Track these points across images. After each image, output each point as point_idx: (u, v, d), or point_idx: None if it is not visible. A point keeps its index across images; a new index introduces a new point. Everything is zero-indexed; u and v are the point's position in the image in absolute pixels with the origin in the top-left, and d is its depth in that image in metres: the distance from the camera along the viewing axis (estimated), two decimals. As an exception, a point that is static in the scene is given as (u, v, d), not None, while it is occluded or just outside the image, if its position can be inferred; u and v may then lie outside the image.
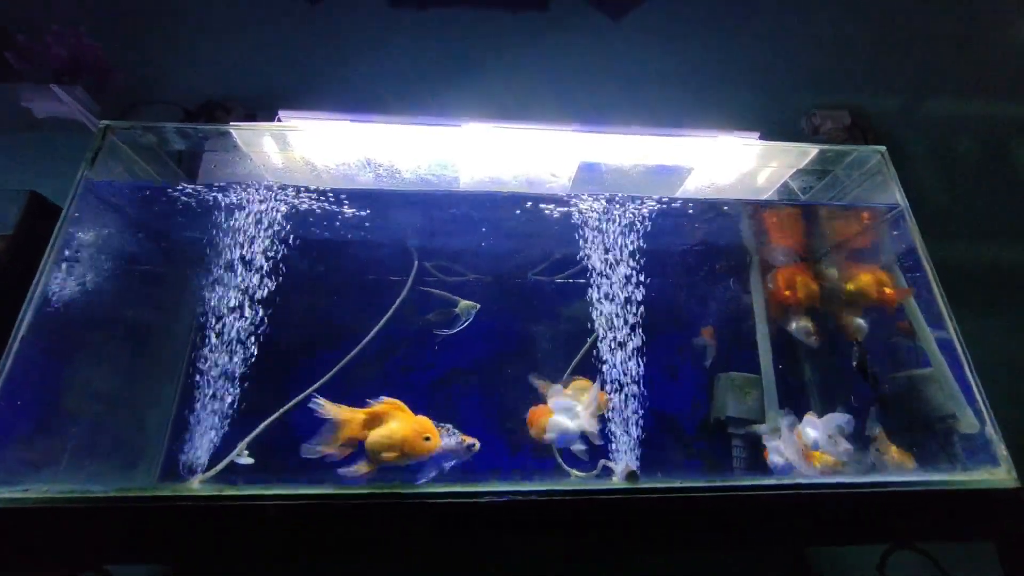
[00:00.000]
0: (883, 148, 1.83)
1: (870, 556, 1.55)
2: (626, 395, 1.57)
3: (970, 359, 1.59)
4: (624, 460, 1.47)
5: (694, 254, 1.97)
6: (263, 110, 2.57)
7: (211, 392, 1.48)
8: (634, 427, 1.54)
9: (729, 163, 1.95)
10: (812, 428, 1.61)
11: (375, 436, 1.33)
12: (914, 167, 2.89)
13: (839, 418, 1.60)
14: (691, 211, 1.77)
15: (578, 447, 1.56)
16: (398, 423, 1.35)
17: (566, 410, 1.58)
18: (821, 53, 3.12)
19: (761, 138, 1.95)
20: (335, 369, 1.71)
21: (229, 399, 1.49)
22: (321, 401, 1.35)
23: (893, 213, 1.79)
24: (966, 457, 1.56)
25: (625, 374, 1.59)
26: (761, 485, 1.39)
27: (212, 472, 1.38)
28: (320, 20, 2.99)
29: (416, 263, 1.87)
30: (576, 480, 1.50)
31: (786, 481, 1.43)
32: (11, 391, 1.29)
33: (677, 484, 1.34)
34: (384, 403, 1.37)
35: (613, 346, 1.61)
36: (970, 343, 1.61)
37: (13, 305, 1.40)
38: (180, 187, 1.61)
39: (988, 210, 2.78)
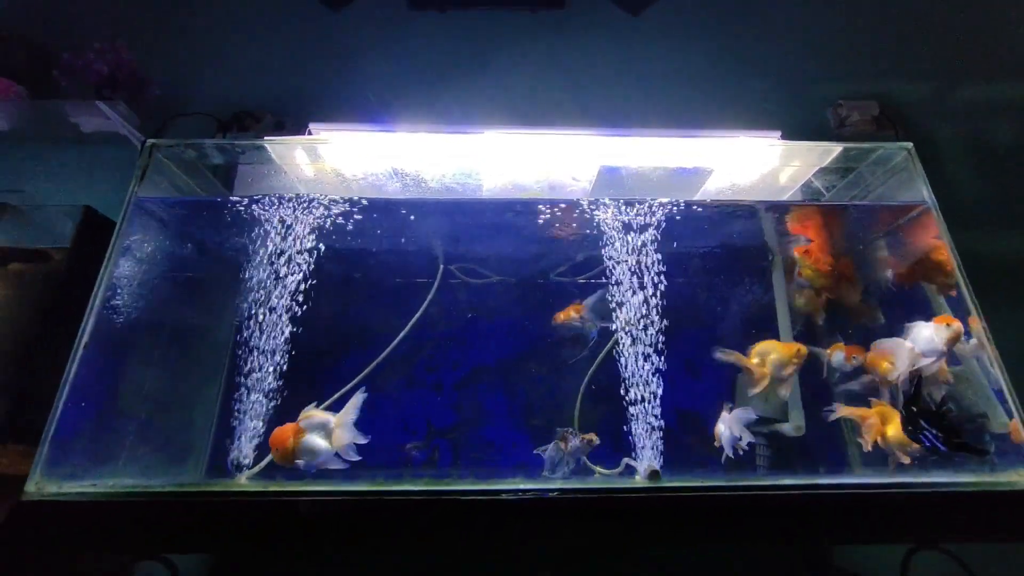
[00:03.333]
0: (910, 145, 1.80)
1: (895, 554, 1.56)
2: (649, 393, 1.60)
3: (999, 357, 1.57)
4: (647, 459, 1.51)
5: (715, 254, 1.98)
6: (291, 117, 2.66)
7: (251, 391, 1.58)
8: (656, 425, 1.57)
9: (750, 163, 1.95)
10: (723, 423, 1.62)
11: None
12: (946, 156, 2.80)
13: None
14: (714, 212, 1.78)
15: (333, 464, 1.38)
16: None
17: (319, 427, 1.39)
18: (846, 41, 3.03)
19: (783, 137, 1.94)
20: (368, 369, 1.80)
21: (268, 398, 1.58)
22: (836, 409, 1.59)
23: (920, 211, 1.77)
24: (997, 457, 1.55)
25: (648, 372, 1.62)
26: (783, 484, 1.41)
27: (257, 468, 1.48)
28: (343, 26, 3.06)
29: (442, 267, 1.94)
30: (599, 478, 1.55)
31: (808, 481, 1.44)
32: (77, 394, 1.40)
33: (699, 483, 1.37)
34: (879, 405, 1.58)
35: (635, 344, 1.65)
36: (1001, 339, 1.59)
37: (74, 312, 1.51)
38: (221, 199, 1.70)
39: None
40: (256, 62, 2.96)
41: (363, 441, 1.40)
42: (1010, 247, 2.53)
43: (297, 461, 1.37)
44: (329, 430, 1.40)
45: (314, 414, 1.42)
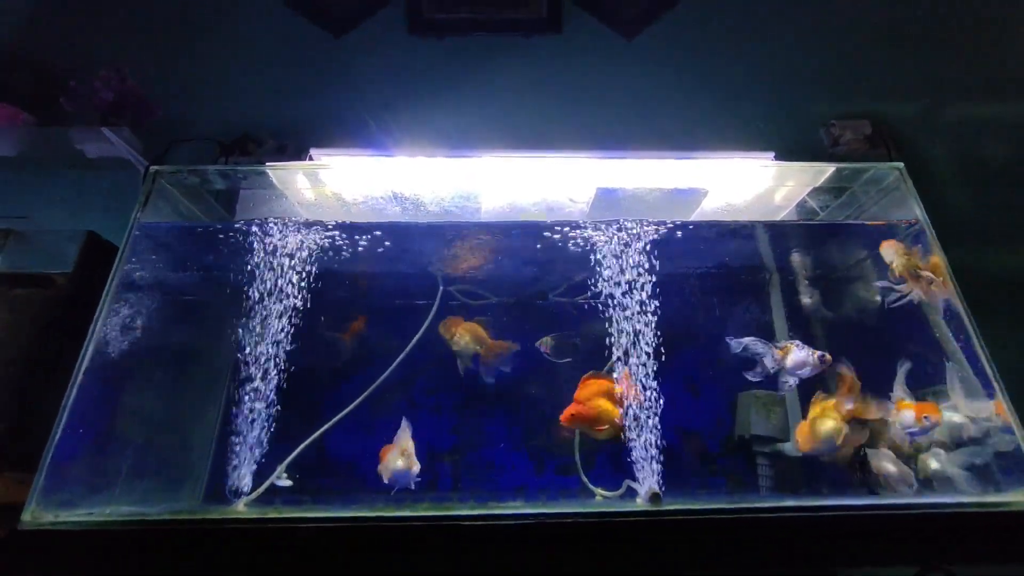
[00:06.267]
0: (900, 165, 1.83)
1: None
2: (648, 413, 1.60)
3: (999, 375, 1.57)
4: (648, 481, 1.50)
5: (712, 274, 1.99)
6: (292, 141, 2.70)
7: (250, 417, 1.57)
8: (656, 446, 1.56)
9: (744, 184, 1.98)
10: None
11: None
12: (939, 173, 2.84)
13: None
14: (710, 232, 1.80)
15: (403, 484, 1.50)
16: None
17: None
18: (838, 61, 3.08)
19: (777, 157, 1.97)
20: (366, 392, 1.79)
21: (266, 424, 1.58)
22: None
23: (913, 229, 1.79)
24: (1001, 477, 1.53)
25: (646, 392, 1.61)
26: (786, 507, 1.40)
27: (255, 495, 1.46)
28: (343, 52, 3.11)
29: (441, 289, 1.95)
30: (600, 501, 1.53)
31: (812, 503, 1.43)
32: (75, 420, 1.40)
33: (700, 506, 1.36)
34: None
35: (633, 365, 1.65)
36: (997, 354, 1.59)
37: (76, 337, 1.52)
38: (223, 224, 1.72)
39: (1019, 216, 2.71)
40: (259, 87, 3.01)
41: (415, 469, 1.51)
42: (1004, 263, 2.55)
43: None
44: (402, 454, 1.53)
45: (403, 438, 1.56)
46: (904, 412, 1.58)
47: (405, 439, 1.56)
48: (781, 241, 1.92)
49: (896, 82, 3.01)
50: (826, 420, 1.57)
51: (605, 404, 1.53)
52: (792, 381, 1.61)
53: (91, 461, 1.52)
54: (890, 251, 1.78)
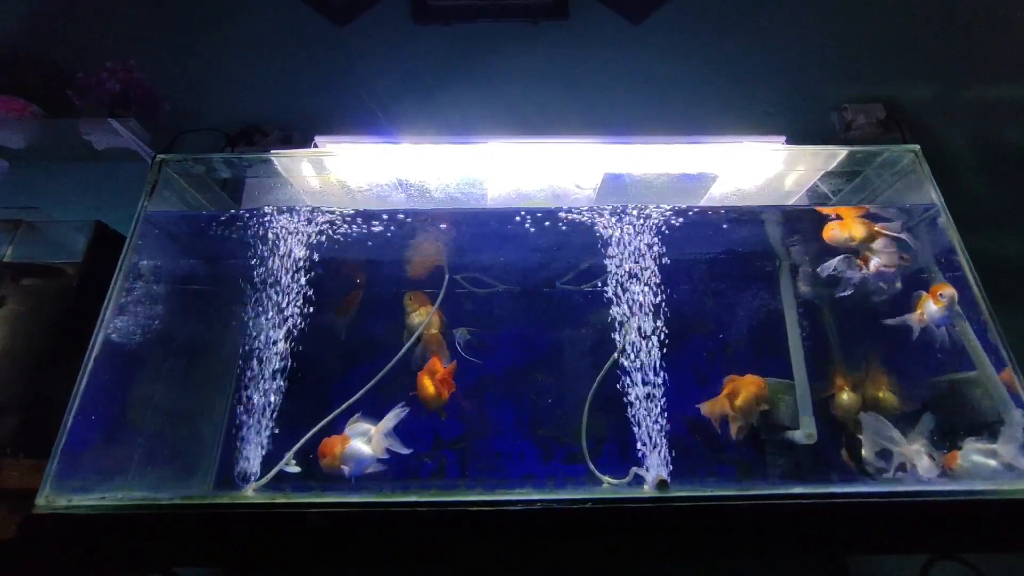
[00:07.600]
0: (916, 147, 1.79)
1: (913, 566, 1.52)
2: (655, 401, 1.59)
3: (1015, 362, 1.54)
4: (655, 468, 1.49)
5: (721, 260, 1.97)
6: (298, 131, 2.70)
7: (258, 405, 1.58)
8: (663, 434, 1.55)
9: (755, 169, 1.94)
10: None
11: None
12: (954, 158, 2.77)
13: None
14: (719, 217, 1.78)
15: (374, 468, 1.49)
16: None
17: (362, 435, 1.51)
18: (850, 44, 3.02)
19: (788, 141, 1.93)
20: (373, 380, 1.79)
21: (274, 411, 1.59)
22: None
23: (929, 213, 1.75)
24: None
25: (652, 381, 1.61)
26: (795, 493, 1.39)
27: (264, 480, 1.48)
28: (348, 41, 3.10)
29: (447, 277, 1.94)
30: (608, 488, 1.53)
31: (822, 490, 1.41)
32: (87, 407, 1.42)
33: (708, 492, 1.35)
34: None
35: (639, 353, 1.64)
36: (1015, 341, 1.56)
37: (86, 327, 1.53)
38: (229, 213, 1.73)
39: (1038, 201, 2.65)
40: (263, 78, 3.01)
41: (404, 451, 1.51)
42: (1022, 249, 2.49)
43: (343, 467, 1.46)
44: (371, 438, 1.50)
45: (358, 424, 1.53)
46: (928, 305, 1.49)
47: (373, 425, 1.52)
48: (791, 226, 1.89)
49: (911, 64, 2.93)
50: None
51: (425, 381, 1.71)
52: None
53: (103, 448, 1.54)
54: (857, 227, 1.71)
